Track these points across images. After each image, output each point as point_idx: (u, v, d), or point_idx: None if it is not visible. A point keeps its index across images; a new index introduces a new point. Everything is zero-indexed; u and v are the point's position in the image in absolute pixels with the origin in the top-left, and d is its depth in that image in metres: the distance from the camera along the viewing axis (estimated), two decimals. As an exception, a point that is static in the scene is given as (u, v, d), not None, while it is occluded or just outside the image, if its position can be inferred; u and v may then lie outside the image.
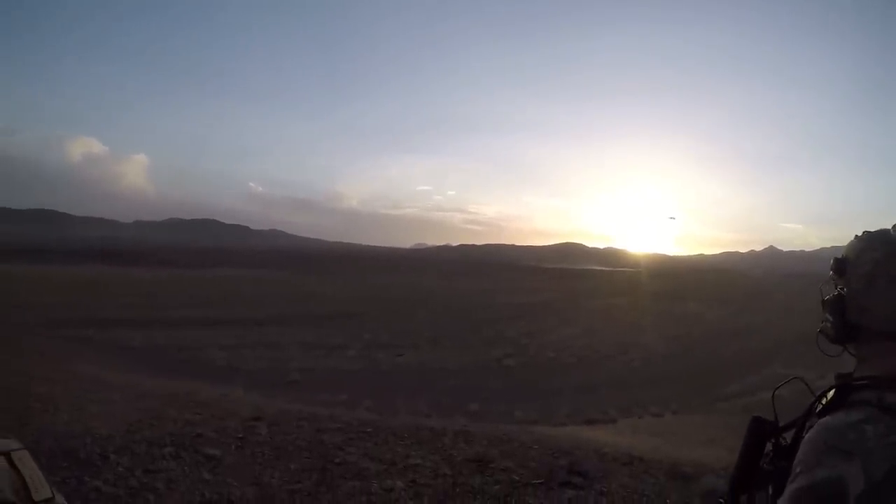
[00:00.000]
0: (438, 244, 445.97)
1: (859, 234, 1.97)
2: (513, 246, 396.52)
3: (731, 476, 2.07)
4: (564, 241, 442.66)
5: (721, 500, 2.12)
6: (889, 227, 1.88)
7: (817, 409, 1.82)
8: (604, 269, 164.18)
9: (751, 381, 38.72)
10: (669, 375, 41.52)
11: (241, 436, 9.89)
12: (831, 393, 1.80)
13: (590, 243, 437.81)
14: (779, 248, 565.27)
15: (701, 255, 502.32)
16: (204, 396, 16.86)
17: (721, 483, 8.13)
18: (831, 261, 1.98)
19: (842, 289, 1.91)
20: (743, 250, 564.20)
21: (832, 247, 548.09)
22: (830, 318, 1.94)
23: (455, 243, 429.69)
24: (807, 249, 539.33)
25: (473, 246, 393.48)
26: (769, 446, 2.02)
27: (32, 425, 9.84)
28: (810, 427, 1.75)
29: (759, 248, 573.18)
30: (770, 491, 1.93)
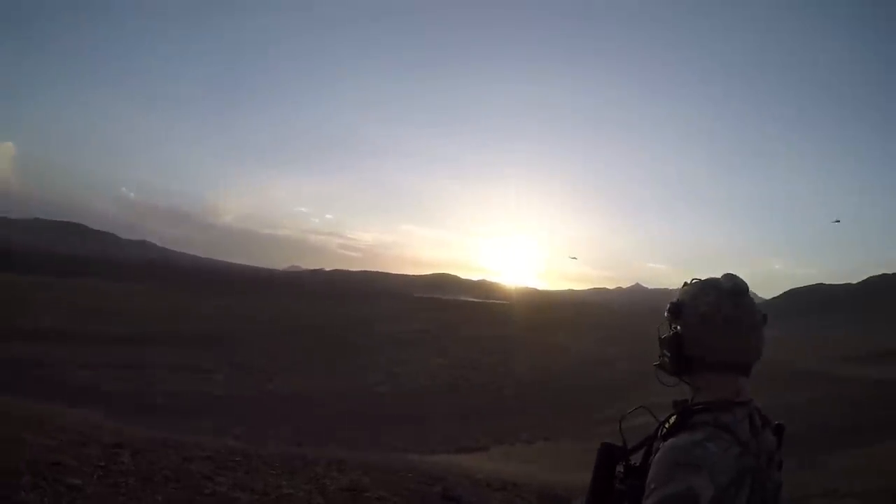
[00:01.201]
0: (313, 268, 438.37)
1: (688, 281, 2.34)
2: (388, 274, 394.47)
3: (586, 498, 2.28)
4: (439, 271, 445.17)
5: None
6: (726, 272, 2.26)
7: (662, 433, 2.14)
8: (477, 300, 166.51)
9: (620, 408, 40.02)
10: (540, 403, 42.57)
11: (102, 464, 9.23)
12: (673, 418, 2.13)
13: (464, 275, 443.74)
14: (644, 285, 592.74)
15: (570, 290, 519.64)
16: (62, 420, 15.77)
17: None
18: (668, 304, 2.29)
19: (676, 328, 2.23)
20: (611, 287, 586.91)
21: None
22: (668, 354, 2.28)
23: (330, 268, 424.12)
24: (670, 287, 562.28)
25: (348, 272, 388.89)
26: (620, 468, 2.27)
27: None
28: (657, 449, 2.06)
29: (626, 284, 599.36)
30: None
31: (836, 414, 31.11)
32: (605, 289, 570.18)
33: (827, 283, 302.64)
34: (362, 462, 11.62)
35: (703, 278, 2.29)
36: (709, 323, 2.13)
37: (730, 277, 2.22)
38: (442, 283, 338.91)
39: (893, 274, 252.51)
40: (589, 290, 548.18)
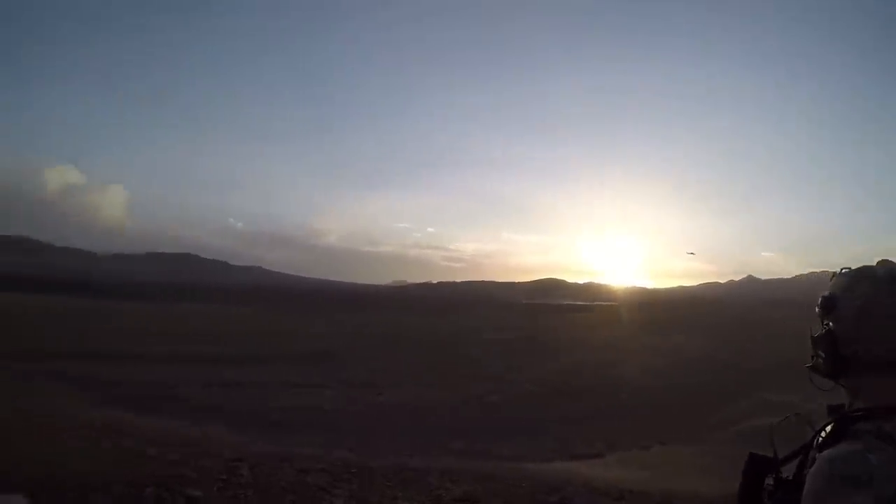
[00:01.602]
0: (418, 282, 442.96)
1: (838, 271, 2.08)
2: (493, 283, 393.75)
3: None
4: (545, 276, 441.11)
5: None
6: (881, 258, 1.99)
7: (818, 442, 1.90)
8: (585, 303, 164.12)
9: (740, 409, 38.67)
10: (655, 407, 41.44)
11: (223, 477, 9.55)
12: (830, 426, 1.89)
13: (570, 278, 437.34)
14: (757, 276, 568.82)
15: (680, 286, 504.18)
16: (183, 435, 16.39)
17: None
18: (819, 299, 2.04)
19: (829, 325, 1.97)
20: (722, 280, 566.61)
21: (809, 272, 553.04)
22: (822, 354, 2.01)
23: (435, 280, 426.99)
24: (785, 277, 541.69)
25: (453, 283, 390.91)
26: (770, 481, 2.04)
27: (8, 460, 9.44)
28: (813, 460, 1.83)
29: (737, 277, 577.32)
30: None
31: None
32: (716, 283, 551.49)
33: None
34: (476, 472, 11.56)
35: (854, 267, 2.02)
36: (866, 317, 1.87)
37: (886, 264, 1.96)
38: (548, 288, 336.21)
39: None
40: (699, 285, 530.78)
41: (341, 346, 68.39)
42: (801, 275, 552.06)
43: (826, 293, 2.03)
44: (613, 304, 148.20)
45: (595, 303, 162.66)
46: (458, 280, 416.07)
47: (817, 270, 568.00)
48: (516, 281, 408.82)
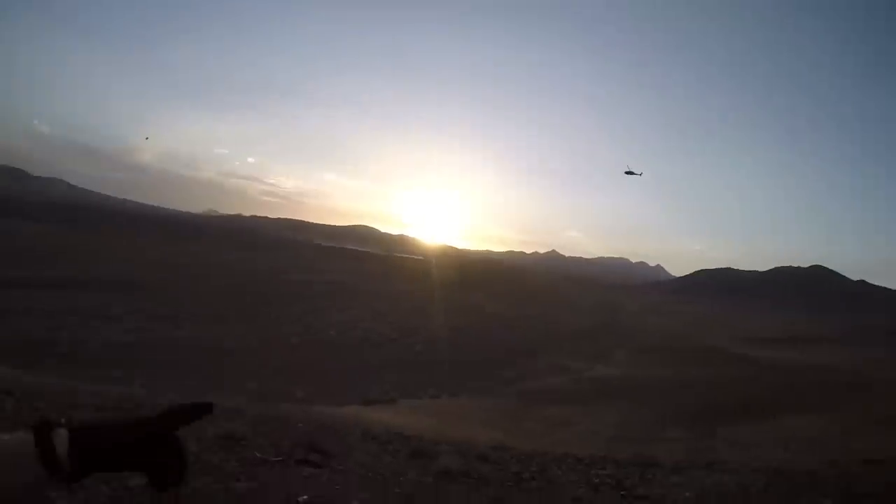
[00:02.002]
0: (231, 213, 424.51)
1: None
2: (306, 223, 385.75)
3: None
4: (359, 223, 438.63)
5: None
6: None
7: None
8: (395, 254, 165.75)
9: (529, 370, 41.07)
10: (450, 360, 43.03)
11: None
12: None
13: (383, 228, 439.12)
14: (561, 252, 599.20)
15: (488, 251, 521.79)
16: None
17: (457, 461, 8.37)
18: None
19: None
20: (528, 251, 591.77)
21: (608, 256, 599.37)
22: None
23: (248, 213, 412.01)
24: (585, 256, 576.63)
25: (267, 218, 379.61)
26: None
27: None
28: None
29: (542, 250, 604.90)
30: None
31: (735, 390, 32.34)
32: (522, 252, 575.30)
33: (736, 267, 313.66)
34: (257, 414, 11.37)
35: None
36: None
37: None
38: (362, 235, 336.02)
39: (798, 267, 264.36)
40: (506, 251, 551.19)
41: (144, 275, 64.23)
42: (601, 256, 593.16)
43: None
44: (422, 258, 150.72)
45: (405, 255, 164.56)
46: (273, 216, 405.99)
47: (615, 255, 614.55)
48: (330, 224, 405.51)
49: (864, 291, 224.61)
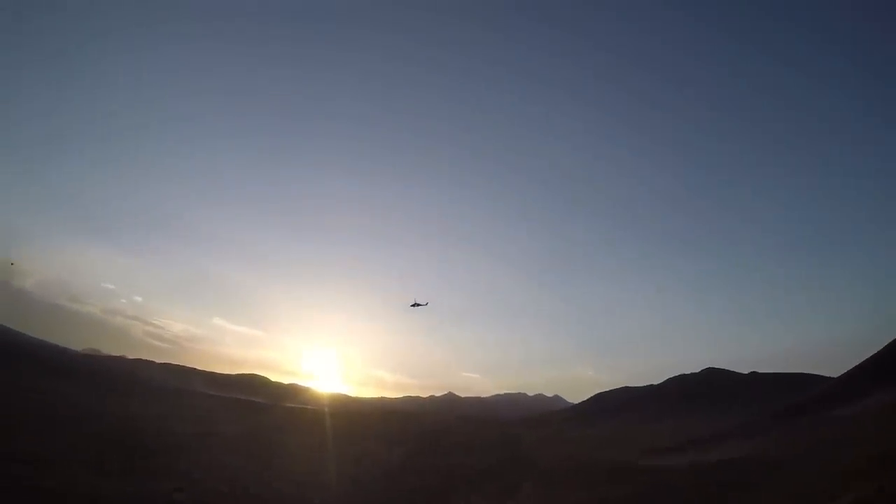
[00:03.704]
0: (113, 354, 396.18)
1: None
2: (194, 369, 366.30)
3: None
4: (250, 371, 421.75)
5: None
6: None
7: None
8: (287, 405, 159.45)
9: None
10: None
11: None
12: None
13: (274, 377, 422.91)
14: (457, 393, 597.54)
15: (383, 397, 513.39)
16: None
17: None
18: None
19: None
20: (424, 395, 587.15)
21: (505, 392, 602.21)
22: None
23: (132, 356, 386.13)
24: (482, 395, 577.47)
25: (152, 363, 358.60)
26: None
27: None
28: None
29: (438, 393, 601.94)
30: None
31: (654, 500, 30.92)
32: (418, 397, 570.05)
33: (632, 385, 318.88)
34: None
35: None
36: None
37: None
38: (251, 384, 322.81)
39: (691, 373, 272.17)
40: (402, 397, 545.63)
41: (12, 414, 57.68)
42: (497, 394, 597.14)
43: None
44: (316, 408, 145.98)
45: (298, 405, 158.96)
46: (158, 360, 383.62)
47: (512, 392, 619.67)
48: (220, 372, 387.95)
49: (755, 381, 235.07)
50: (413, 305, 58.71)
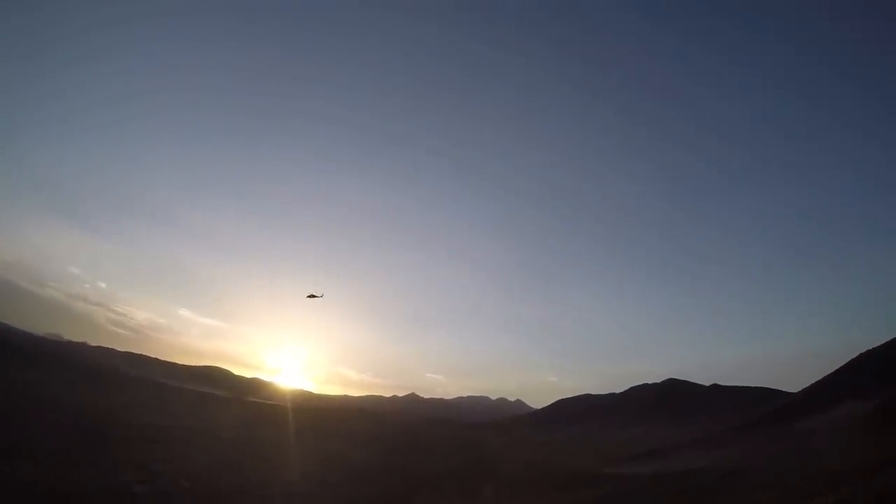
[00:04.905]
0: (76, 339, 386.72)
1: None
2: (157, 359, 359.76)
3: None
4: (212, 363, 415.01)
5: None
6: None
7: None
8: (250, 399, 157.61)
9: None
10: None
11: None
12: None
13: (237, 370, 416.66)
14: (420, 394, 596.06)
15: (346, 395, 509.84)
16: None
17: None
18: None
19: None
20: (387, 395, 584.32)
21: (468, 395, 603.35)
22: None
23: (94, 343, 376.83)
24: (445, 397, 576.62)
25: (114, 350, 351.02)
26: None
27: None
28: None
29: (401, 393, 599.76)
30: None
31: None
32: (381, 396, 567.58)
33: (594, 392, 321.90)
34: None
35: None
36: None
37: None
38: (214, 376, 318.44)
39: (653, 383, 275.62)
40: (365, 396, 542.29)
41: None
42: (461, 396, 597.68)
43: None
44: (279, 404, 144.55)
45: (261, 400, 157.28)
46: (120, 348, 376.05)
47: (475, 394, 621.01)
48: (181, 363, 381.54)
49: (716, 393, 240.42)
50: (309, 297, 59.26)
